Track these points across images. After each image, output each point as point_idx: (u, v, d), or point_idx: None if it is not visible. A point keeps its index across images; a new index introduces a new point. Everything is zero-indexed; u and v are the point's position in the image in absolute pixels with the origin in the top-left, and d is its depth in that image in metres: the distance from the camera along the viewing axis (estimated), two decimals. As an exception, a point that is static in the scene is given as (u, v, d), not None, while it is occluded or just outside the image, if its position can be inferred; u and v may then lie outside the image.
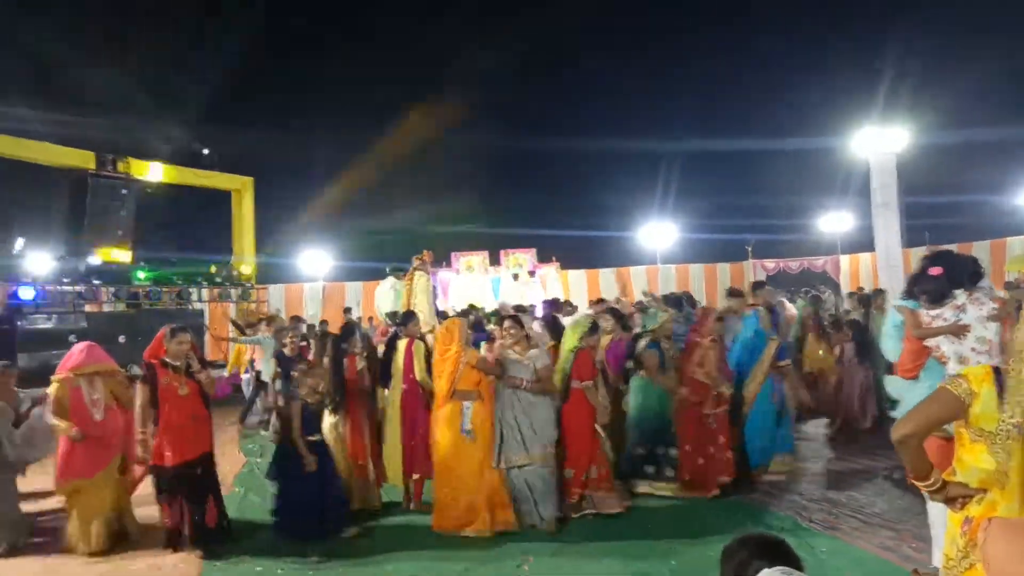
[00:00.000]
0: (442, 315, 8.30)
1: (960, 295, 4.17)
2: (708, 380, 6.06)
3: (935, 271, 4.26)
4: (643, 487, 6.12)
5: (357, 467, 5.99)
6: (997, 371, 2.25)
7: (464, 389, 5.40)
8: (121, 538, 5.42)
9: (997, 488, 2.19)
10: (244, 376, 10.86)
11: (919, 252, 19.46)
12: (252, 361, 10.48)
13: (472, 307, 11.40)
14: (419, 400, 6.07)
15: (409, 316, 6.56)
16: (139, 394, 5.17)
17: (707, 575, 4.33)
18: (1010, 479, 2.16)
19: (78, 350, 5.60)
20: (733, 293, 7.77)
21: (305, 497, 5.25)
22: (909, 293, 4.45)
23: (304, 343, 7.91)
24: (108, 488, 5.39)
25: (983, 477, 2.22)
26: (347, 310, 15.32)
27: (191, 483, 5.18)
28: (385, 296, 8.37)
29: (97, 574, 4.93)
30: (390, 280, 8.46)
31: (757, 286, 7.80)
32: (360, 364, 6.18)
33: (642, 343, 6.41)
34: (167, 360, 5.21)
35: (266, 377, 9.34)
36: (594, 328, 6.02)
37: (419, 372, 6.10)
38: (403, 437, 6.00)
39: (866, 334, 8.48)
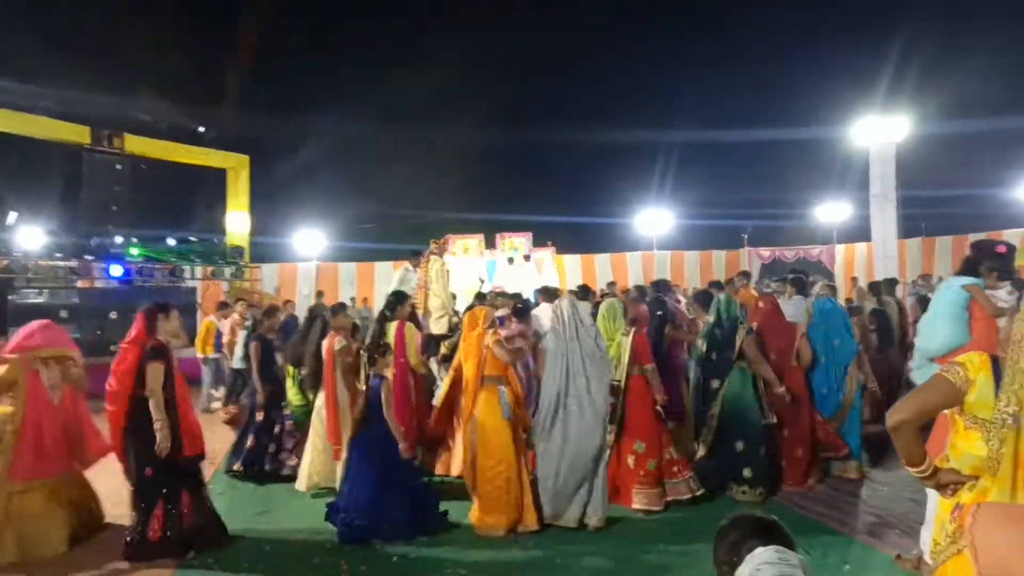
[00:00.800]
0: (480, 298, 8.33)
1: (1008, 286, 4.20)
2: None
3: (1001, 249, 4.30)
4: (738, 494, 5.54)
5: (335, 450, 5.85)
6: (995, 359, 2.24)
7: (493, 374, 5.11)
8: (80, 539, 4.93)
9: (989, 475, 2.19)
10: (206, 356, 10.59)
11: (914, 243, 19.61)
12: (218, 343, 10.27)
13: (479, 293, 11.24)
14: (407, 384, 6.00)
15: (399, 299, 6.51)
16: (154, 376, 4.59)
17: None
18: (1002, 466, 2.16)
19: (38, 328, 5.05)
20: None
21: (395, 489, 4.89)
22: (967, 272, 4.39)
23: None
24: (72, 486, 4.98)
25: (975, 464, 2.22)
26: (319, 294, 15.25)
27: (192, 479, 4.82)
28: (400, 280, 8.41)
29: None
30: (405, 264, 8.50)
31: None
32: (338, 344, 5.94)
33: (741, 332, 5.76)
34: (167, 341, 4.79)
35: (237, 363, 8.90)
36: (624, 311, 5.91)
37: (411, 355, 6.07)
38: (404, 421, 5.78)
39: (888, 323, 8.37)
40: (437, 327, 7.61)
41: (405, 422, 5.75)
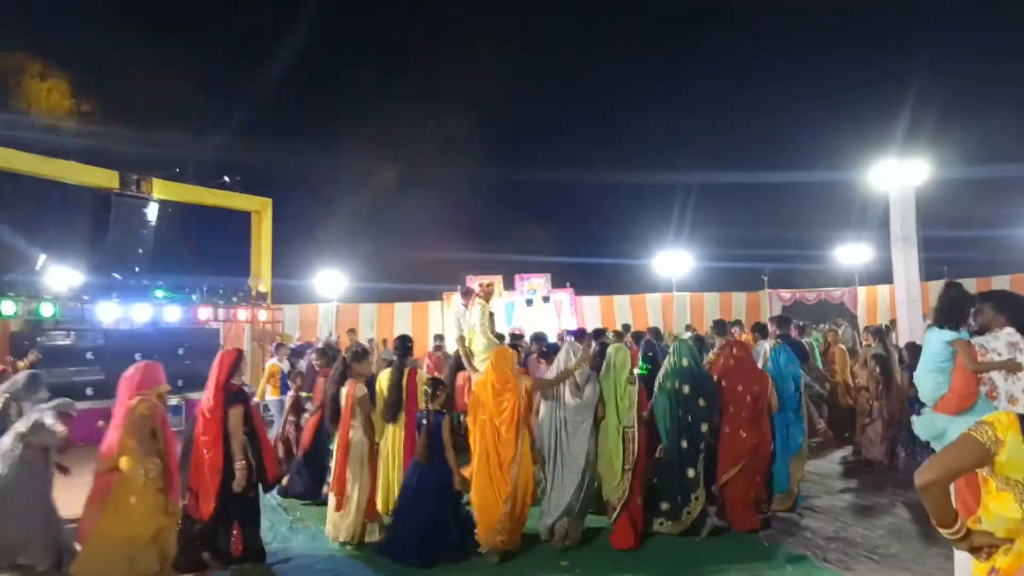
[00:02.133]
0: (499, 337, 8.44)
1: (1014, 333, 4.19)
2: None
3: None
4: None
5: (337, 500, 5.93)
6: (1023, 418, 2.20)
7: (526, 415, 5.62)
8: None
9: (1024, 538, 2.14)
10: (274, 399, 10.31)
11: (938, 286, 19.37)
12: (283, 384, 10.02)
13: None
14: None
15: (406, 345, 6.54)
16: (235, 420, 5.12)
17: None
18: (1037, 530, 2.11)
19: (152, 365, 5.11)
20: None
21: (425, 517, 5.33)
22: (952, 324, 4.46)
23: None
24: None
25: (1010, 527, 2.17)
26: (351, 331, 15.15)
27: (247, 509, 5.34)
28: (451, 320, 8.62)
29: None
30: (457, 303, 8.62)
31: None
32: (359, 392, 5.98)
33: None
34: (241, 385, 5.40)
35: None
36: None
37: (423, 404, 6.06)
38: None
39: (889, 367, 8.40)
40: (482, 368, 7.64)
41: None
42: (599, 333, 9.42)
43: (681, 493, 5.81)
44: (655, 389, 6.26)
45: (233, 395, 5.21)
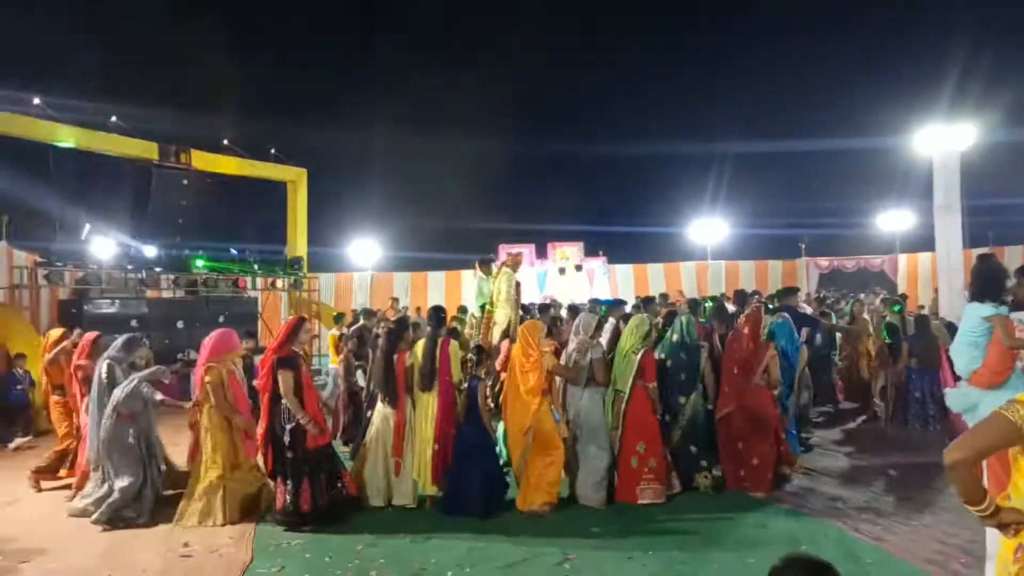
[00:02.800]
0: (526, 311, 8.49)
1: None
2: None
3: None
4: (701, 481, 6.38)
5: (396, 464, 6.04)
6: (1053, 397, 2.18)
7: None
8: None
9: (1052, 516, 2.15)
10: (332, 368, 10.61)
11: (980, 253, 18.87)
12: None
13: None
14: (451, 402, 6.07)
15: (442, 315, 6.61)
16: (285, 381, 5.46)
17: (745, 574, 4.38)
18: (1065, 507, 2.11)
19: (227, 334, 6.18)
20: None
21: (478, 472, 5.74)
22: (985, 295, 4.44)
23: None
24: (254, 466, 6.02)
25: (1038, 504, 2.17)
26: (394, 300, 15.41)
27: (322, 465, 5.66)
28: (478, 290, 8.65)
29: (158, 553, 5.14)
30: (478, 274, 8.65)
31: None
32: (409, 360, 6.21)
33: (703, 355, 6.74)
34: (297, 350, 5.71)
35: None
36: (650, 329, 6.28)
37: (455, 372, 6.15)
38: (437, 440, 5.97)
39: (899, 337, 8.71)
40: (500, 337, 7.71)
41: (443, 441, 6.02)
42: (648, 301, 9.45)
43: (687, 464, 6.35)
44: None
45: (284, 360, 5.52)
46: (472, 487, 5.72)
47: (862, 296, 16.22)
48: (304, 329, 5.82)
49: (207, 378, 5.78)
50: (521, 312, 8.16)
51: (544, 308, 8.72)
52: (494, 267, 8.36)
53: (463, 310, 11.55)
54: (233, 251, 15.64)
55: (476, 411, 5.90)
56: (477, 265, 8.72)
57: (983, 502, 2.24)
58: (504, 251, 20.10)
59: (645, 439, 5.98)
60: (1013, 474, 2.29)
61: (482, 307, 8.22)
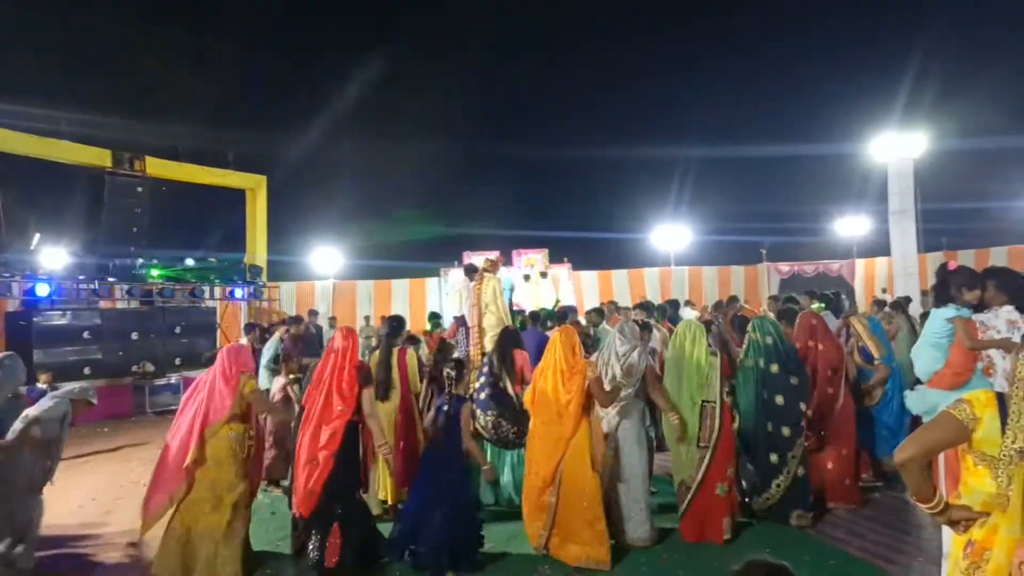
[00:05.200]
0: (518, 314, 8.36)
1: (1013, 311, 4.20)
2: None
3: (952, 266, 4.57)
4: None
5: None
6: (1001, 396, 2.23)
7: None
8: None
9: (999, 511, 2.18)
10: None
11: (936, 257, 19.42)
12: None
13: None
14: (411, 410, 5.95)
15: (400, 323, 6.48)
16: (369, 401, 4.72)
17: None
18: (1011, 502, 2.14)
19: (246, 349, 5.24)
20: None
21: (448, 514, 4.63)
22: (945, 300, 4.49)
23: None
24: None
25: (986, 500, 2.20)
26: (313, 313, 13.35)
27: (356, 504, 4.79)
28: (453, 298, 8.51)
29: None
30: (460, 280, 8.53)
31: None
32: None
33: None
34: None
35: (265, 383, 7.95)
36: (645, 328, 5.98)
37: (413, 381, 6.03)
38: (399, 450, 5.75)
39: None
40: (492, 345, 7.57)
41: (408, 449, 5.81)
42: (675, 305, 9.43)
43: (760, 478, 5.45)
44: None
45: (366, 375, 4.78)
46: (438, 534, 4.58)
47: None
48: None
49: (248, 387, 4.73)
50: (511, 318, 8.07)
51: (562, 316, 8.46)
52: (476, 275, 8.13)
53: (435, 316, 11.37)
54: (189, 261, 15.33)
55: (457, 437, 4.84)
56: (443, 273, 8.67)
57: (933, 499, 2.30)
58: (468, 258, 20.04)
59: (732, 461, 5.24)
60: (962, 472, 2.32)
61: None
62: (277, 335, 8.66)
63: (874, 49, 28.49)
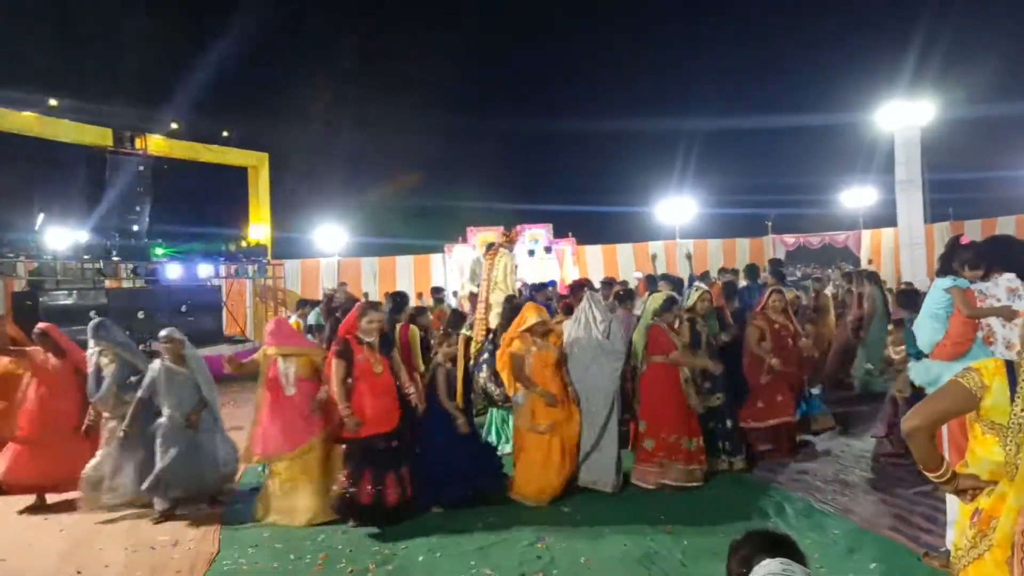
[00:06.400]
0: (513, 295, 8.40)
1: (1014, 279, 4.14)
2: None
3: (964, 240, 4.39)
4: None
5: None
6: (1010, 365, 2.21)
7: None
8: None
9: (1007, 480, 2.18)
10: None
11: (942, 228, 19.30)
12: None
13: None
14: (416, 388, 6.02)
15: (403, 299, 6.50)
16: (336, 369, 5.17)
17: (718, 556, 4.36)
18: (1020, 471, 2.14)
19: (276, 327, 5.87)
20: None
21: (450, 461, 5.40)
22: (948, 271, 4.43)
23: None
24: (310, 461, 5.49)
25: (993, 469, 2.20)
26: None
27: (380, 457, 5.21)
28: (472, 273, 8.54)
29: (122, 548, 5.03)
30: (474, 256, 8.51)
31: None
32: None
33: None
34: (360, 336, 5.30)
35: None
36: (668, 303, 6.10)
37: (416, 357, 6.04)
38: None
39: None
40: (496, 321, 7.59)
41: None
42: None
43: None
44: None
45: (338, 346, 5.30)
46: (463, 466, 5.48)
47: (829, 271, 16.43)
48: (368, 318, 5.36)
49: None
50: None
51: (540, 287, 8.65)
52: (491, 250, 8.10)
53: (438, 290, 11.45)
54: (194, 240, 15.36)
55: (435, 399, 5.63)
56: (447, 249, 8.68)
57: (940, 468, 2.29)
58: (472, 234, 20.00)
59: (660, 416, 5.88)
60: (969, 440, 2.32)
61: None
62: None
63: (880, 15, 28.09)
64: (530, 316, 5.72)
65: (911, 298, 6.64)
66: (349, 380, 5.18)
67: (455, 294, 13.90)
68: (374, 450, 5.17)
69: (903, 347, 5.39)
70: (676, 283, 8.29)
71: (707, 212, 23.82)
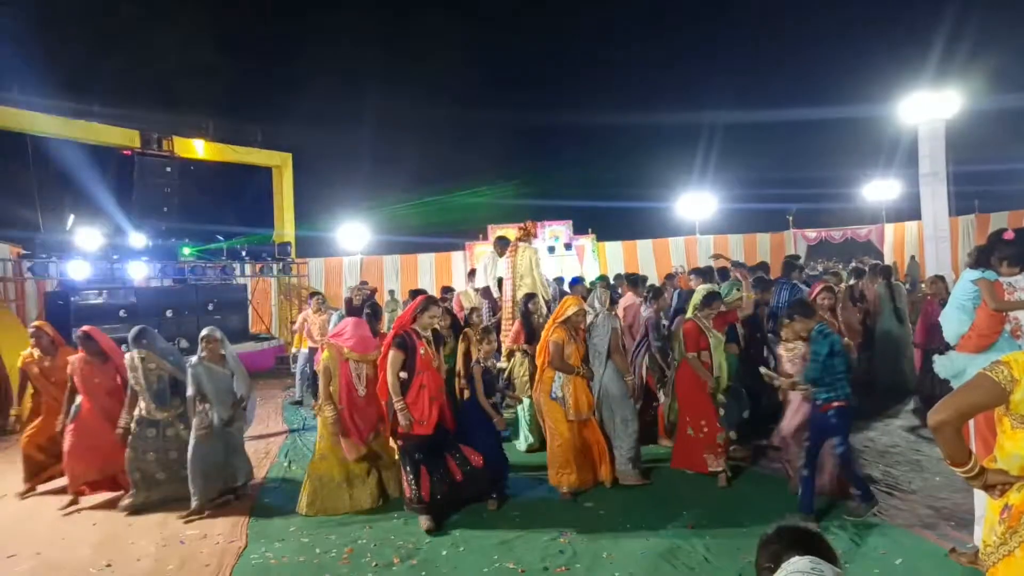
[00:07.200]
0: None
1: None
2: None
3: (1008, 236, 4.31)
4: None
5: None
6: (1040, 358, 2.19)
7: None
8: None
9: (1037, 476, 2.16)
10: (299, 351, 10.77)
11: (967, 221, 19.01)
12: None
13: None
14: (440, 384, 6.05)
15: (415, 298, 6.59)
16: (392, 361, 5.13)
17: (739, 550, 4.39)
18: (1050, 467, 2.13)
19: (352, 329, 5.68)
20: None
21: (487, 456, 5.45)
22: (982, 263, 4.38)
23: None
24: (370, 455, 5.67)
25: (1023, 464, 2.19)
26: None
27: (435, 452, 5.29)
28: (486, 270, 8.60)
29: (153, 541, 5.16)
30: (491, 254, 8.58)
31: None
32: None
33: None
34: (419, 330, 5.30)
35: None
36: (709, 298, 6.14)
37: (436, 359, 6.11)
38: None
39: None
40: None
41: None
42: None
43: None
44: None
45: (397, 339, 5.28)
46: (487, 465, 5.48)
47: (850, 265, 16.27)
48: (429, 313, 5.36)
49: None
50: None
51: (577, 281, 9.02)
52: (511, 246, 8.14)
53: (447, 291, 11.52)
54: (219, 238, 15.56)
55: (473, 393, 5.70)
56: (468, 247, 8.75)
57: (968, 463, 2.25)
58: (493, 231, 20.01)
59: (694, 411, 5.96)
60: (998, 435, 2.30)
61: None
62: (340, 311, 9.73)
63: (903, 6, 27.69)
64: (570, 306, 5.73)
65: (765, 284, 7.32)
66: (402, 374, 5.16)
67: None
68: (430, 443, 5.21)
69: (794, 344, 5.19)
70: (706, 274, 8.27)
71: (728, 207, 23.68)
